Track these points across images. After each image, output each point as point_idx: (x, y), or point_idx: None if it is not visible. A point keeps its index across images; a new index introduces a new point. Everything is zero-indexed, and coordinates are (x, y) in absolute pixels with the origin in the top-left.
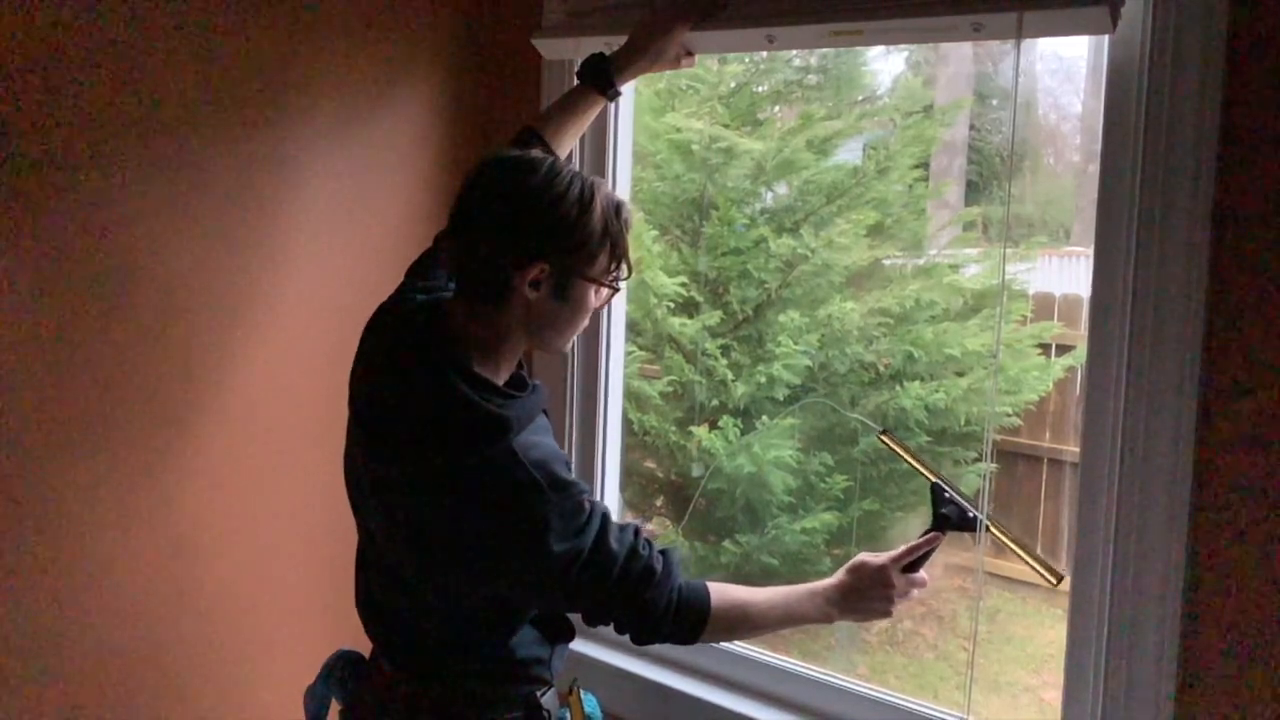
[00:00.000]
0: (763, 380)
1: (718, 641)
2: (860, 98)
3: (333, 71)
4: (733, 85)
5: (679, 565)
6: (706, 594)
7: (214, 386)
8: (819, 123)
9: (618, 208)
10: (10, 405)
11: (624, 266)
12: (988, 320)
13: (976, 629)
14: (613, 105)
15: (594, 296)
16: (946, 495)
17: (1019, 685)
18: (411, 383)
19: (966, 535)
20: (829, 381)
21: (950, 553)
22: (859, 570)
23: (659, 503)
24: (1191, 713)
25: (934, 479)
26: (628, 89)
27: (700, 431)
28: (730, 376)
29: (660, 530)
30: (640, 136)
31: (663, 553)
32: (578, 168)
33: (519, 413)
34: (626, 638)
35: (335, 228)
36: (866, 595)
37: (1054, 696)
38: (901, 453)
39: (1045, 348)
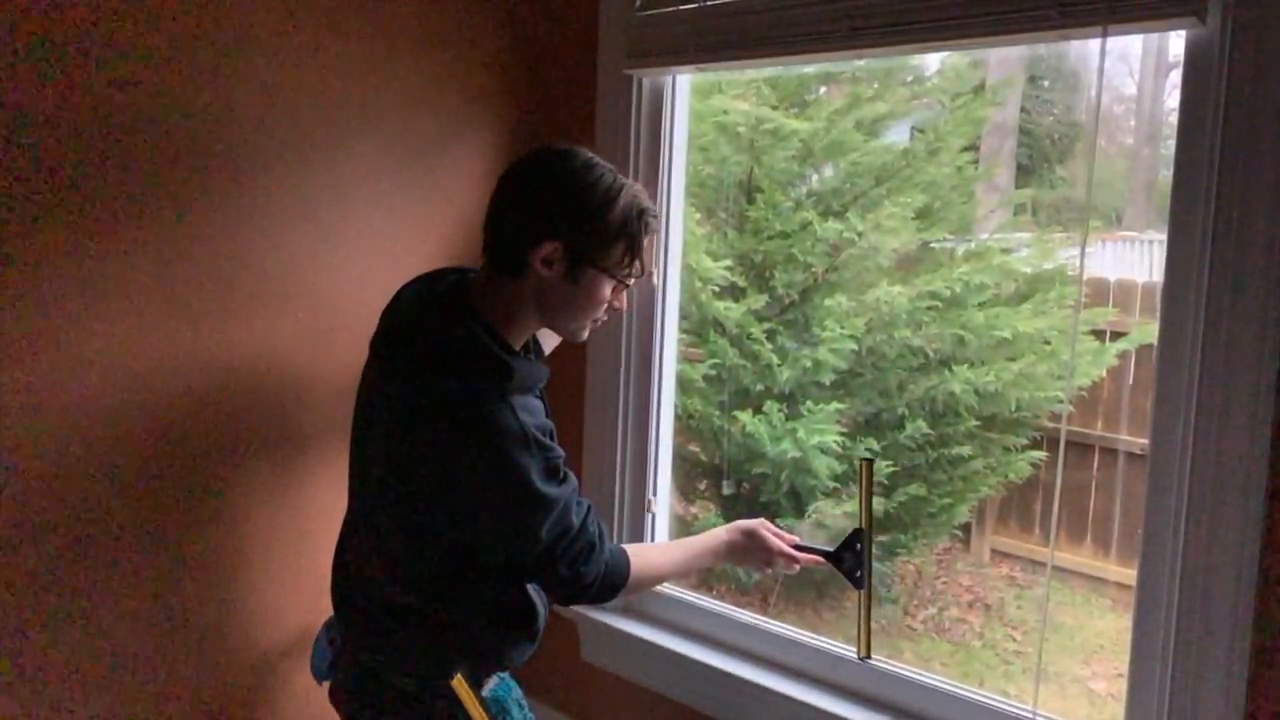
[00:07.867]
0: (808, 364)
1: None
2: (909, 79)
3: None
4: (780, 67)
5: (607, 538)
6: (626, 567)
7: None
8: (867, 103)
9: (642, 211)
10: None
11: (637, 264)
12: (1040, 304)
13: (1045, 625)
14: (668, 100)
15: (606, 288)
16: (858, 547)
17: (1067, 675)
18: (432, 317)
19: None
20: (876, 366)
21: (998, 539)
22: (753, 539)
23: (702, 486)
24: (1261, 707)
25: (863, 529)
26: (683, 86)
27: (744, 416)
28: (775, 361)
29: (703, 513)
30: None
31: (599, 529)
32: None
33: (523, 370)
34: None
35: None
36: (748, 559)
37: (1103, 687)
38: (862, 489)
39: (1099, 334)
